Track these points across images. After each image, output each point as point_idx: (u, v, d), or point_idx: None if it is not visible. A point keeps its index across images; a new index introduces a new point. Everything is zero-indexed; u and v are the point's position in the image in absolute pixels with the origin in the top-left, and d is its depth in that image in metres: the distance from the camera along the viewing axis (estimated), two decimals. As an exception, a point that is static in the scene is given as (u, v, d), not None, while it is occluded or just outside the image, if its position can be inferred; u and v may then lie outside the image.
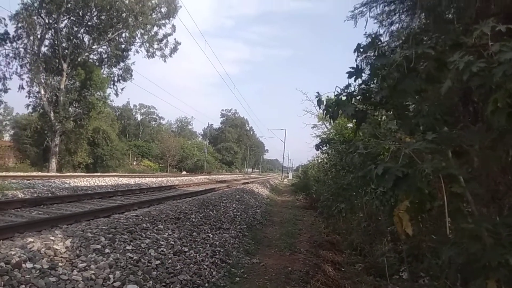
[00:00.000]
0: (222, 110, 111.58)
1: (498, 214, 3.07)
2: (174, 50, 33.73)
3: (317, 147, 12.21)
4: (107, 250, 4.54)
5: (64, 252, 4.12)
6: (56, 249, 4.09)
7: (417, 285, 4.61)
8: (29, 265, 3.55)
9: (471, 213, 2.63)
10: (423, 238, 4.75)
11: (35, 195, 10.56)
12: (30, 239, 4.18)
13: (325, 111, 3.07)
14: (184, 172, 52.18)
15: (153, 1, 30.45)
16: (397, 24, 3.60)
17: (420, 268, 4.73)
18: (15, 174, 18.28)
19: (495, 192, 3.20)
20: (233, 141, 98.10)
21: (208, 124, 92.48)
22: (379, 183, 2.51)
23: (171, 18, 32.30)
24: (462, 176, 2.54)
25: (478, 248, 2.21)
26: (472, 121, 3.41)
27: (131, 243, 5.04)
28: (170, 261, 5.01)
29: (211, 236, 7.11)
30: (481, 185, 3.13)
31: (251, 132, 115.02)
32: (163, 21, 32.24)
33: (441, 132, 2.66)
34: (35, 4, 26.46)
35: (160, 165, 55.94)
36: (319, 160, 16.76)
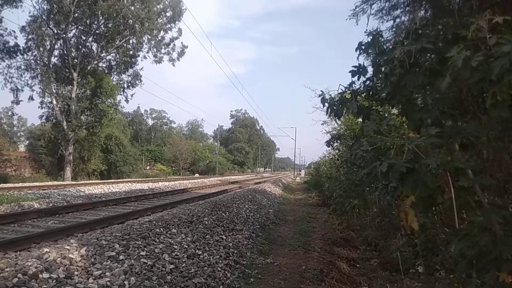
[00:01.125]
0: (232, 111, 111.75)
1: (513, 204, 3.03)
2: (181, 53, 33.86)
3: (328, 143, 12.13)
4: (121, 257, 4.60)
5: (80, 261, 4.19)
6: (72, 258, 4.17)
7: (433, 278, 4.58)
8: (45, 275, 3.62)
9: (481, 205, 2.60)
10: (437, 231, 4.72)
11: (51, 205, 10.72)
12: (46, 249, 4.26)
13: (329, 110, 3.08)
14: (196, 175, 52.41)
15: (158, 6, 30.63)
16: (398, 19, 3.58)
17: (435, 261, 4.70)
18: (31, 184, 18.59)
19: (507, 182, 3.17)
20: (244, 142, 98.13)
21: (218, 125, 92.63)
22: (383, 180, 2.51)
23: (177, 22, 32.43)
24: (471, 169, 2.51)
25: (488, 240, 2.20)
26: (481, 112, 3.37)
27: (145, 249, 5.10)
28: (184, 264, 5.05)
29: (224, 238, 7.15)
30: (492, 176, 3.10)
31: (262, 131, 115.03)
32: (169, 25, 32.37)
33: (447, 125, 2.64)
34: (43, 16, 26.85)
35: (173, 168, 56.24)
36: (331, 157, 16.70)
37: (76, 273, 3.89)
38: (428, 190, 2.47)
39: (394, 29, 3.62)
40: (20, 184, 18.17)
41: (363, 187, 8.47)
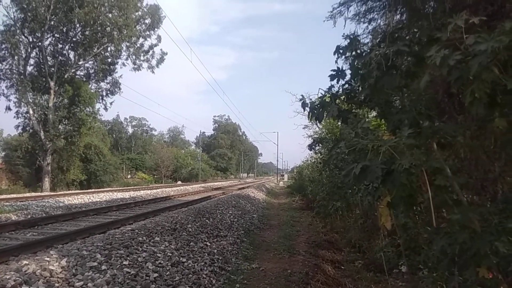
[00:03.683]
0: (215, 116, 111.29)
1: (491, 201, 3.11)
2: (160, 60, 33.67)
3: (310, 147, 12.23)
4: (103, 267, 4.52)
5: (60, 272, 4.10)
6: (52, 269, 4.07)
7: (417, 277, 4.64)
8: (25, 288, 3.53)
9: (459, 203, 2.66)
10: (419, 230, 4.80)
11: (29, 216, 10.46)
12: (25, 262, 4.15)
13: (310, 114, 3.10)
14: (179, 182, 51.96)
15: (136, 13, 30.40)
16: (375, 22, 3.65)
17: (418, 260, 4.76)
18: (8, 196, 18.08)
19: (484, 180, 3.24)
20: (226, 147, 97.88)
21: (200, 132, 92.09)
22: (358, 182, 2.54)
23: (156, 29, 32.31)
24: (448, 168, 2.56)
25: (466, 237, 2.24)
26: (457, 112, 3.46)
27: (128, 258, 5.02)
28: (168, 273, 5.00)
29: (209, 244, 7.10)
30: (469, 174, 3.18)
31: (244, 137, 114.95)
32: (148, 32, 32.21)
33: (424, 126, 2.69)
34: (17, 24, 26.29)
35: (155, 176, 55.63)
36: (313, 160, 16.82)
37: (56, 284, 3.81)
38: (407, 190, 2.51)
39: (370, 32, 3.68)
40: (-4, 197, 17.65)
41: (346, 190, 8.55)
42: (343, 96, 3.20)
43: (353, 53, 2.81)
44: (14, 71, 27.05)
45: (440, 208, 2.87)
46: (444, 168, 2.44)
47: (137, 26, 30.66)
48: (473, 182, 3.19)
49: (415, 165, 2.27)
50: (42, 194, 21.33)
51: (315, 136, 13.83)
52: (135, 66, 32.37)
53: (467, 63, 1.89)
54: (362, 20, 3.69)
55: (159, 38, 33.06)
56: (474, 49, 1.87)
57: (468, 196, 3.13)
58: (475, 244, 2.20)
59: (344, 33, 2.87)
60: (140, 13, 30.89)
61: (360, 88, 3.02)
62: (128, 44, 30.63)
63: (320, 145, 11.80)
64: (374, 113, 4.80)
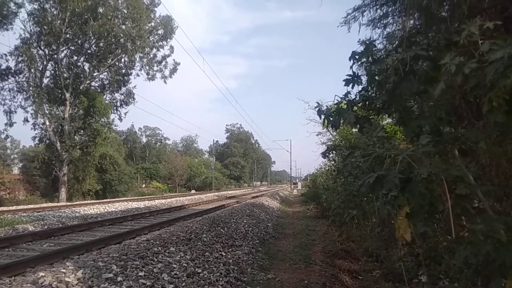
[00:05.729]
0: (227, 125, 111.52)
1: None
2: (173, 70, 34.07)
3: (324, 154, 12.10)
4: (119, 278, 4.50)
5: (76, 284, 4.09)
6: (68, 281, 4.07)
7: (437, 287, 4.52)
8: (41, 300, 3.52)
9: (481, 212, 2.57)
10: (439, 240, 4.67)
11: (46, 227, 10.56)
12: (41, 273, 4.16)
13: (326, 121, 3.05)
14: (193, 191, 52.10)
15: (149, 24, 30.83)
16: (391, 27, 3.59)
17: (439, 270, 4.64)
18: (26, 207, 18.33)
19: (506, 187, 3.15)
20: (239, 156, 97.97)
21: (213, 140, 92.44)
22: (374, 191, 2.47)
23: (168, 40, 32.74)
24: (471, 175, 2.48)
25: (489, 248, 2.16)
26: (476, 118, 3.36)
27: (143, 269, 5.00)
28: (184, 284, 4.95)
29: (224, 254, 7.04)
30: (491, 181, 3.07)
31: (257, 145, 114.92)
32: (161, 43, 32.67)
33: (445, 132, 2.62)
34: (33, 37, 26.87)
35: (169, 185, 55.91)
36: (327, 168, 16.67)
37: (73, 297, 3.79)
38: (427, 199, 2.44)
39: (385, 37, 3.62)
40: (14, 207, 17.88)
41: (361, 198, 8.42)
42: (360, 103, 3.14)
43: (369, 58, 2.75)
44: (31, 83, 27.60)
45: (460, 217, 2.79)
46: (465, 176, 2.36)
47: (150, 37, 31.09)
48: (495, 189, 3.08)
49: (434, 173, 2.19)
50: (59, 204, 21.58)
51: (329, 143, 13.73)
52: (149, 76, 32.83)
53: (483, 70, 1.82)
54: (377, 25, 3.64)
55: (171, 49, 33.52)
56: (489, 57, 1.81)
57: (489, 204, 3.03)
58: (500, 255, 2.11)
59: (359, 39, 2.83)
60: (153, 24, 31.36)
61: (377, 95, 2.96)
62: (141, 55, 31.09)
63: (334, 152, 11.68)
64: (388, 120, 4.73)
